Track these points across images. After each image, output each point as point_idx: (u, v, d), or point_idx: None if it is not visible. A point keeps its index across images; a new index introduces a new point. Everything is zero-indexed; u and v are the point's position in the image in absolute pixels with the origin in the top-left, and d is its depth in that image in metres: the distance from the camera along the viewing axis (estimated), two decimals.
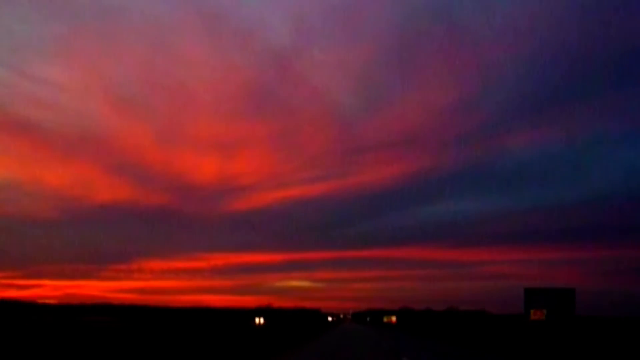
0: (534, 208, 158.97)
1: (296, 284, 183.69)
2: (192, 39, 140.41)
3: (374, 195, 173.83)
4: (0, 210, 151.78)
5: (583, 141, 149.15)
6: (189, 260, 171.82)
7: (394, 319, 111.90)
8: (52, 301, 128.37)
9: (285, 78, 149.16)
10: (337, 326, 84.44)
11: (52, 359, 16.85)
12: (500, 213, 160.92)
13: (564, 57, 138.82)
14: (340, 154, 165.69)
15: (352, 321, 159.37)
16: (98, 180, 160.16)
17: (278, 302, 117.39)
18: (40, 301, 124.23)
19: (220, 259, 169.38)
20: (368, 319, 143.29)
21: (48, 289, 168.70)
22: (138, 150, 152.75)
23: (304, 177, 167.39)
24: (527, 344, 27.27)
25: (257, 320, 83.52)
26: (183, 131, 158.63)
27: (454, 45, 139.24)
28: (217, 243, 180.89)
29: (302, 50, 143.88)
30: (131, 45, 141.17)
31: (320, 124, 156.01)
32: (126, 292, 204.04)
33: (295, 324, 77.26)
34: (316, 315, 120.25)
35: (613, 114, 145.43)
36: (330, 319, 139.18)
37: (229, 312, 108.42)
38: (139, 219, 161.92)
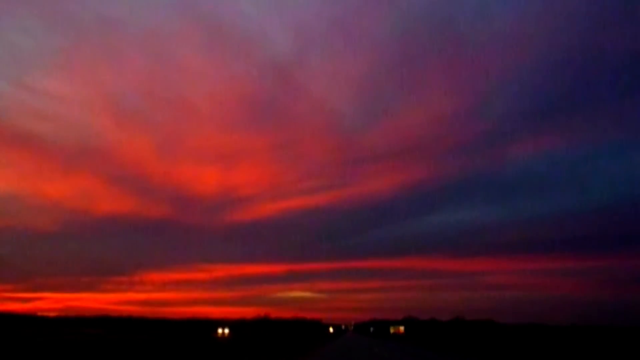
0: (537, 217, 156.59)
1: (297, 294, 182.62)
2: (192, 51, 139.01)
3: (375, 206, 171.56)
4: (1, 222, 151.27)
5: (586, 150, 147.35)
6: (190, 272, 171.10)
7: (401, 329, 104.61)
8: (53, 314, 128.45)
9: (285, 89, 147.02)
10: (336, 338, 75.93)
11: None
12: (503, 223, 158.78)
13: (566, 66, 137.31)
14: (340, 164, 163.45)
15: (354, 332, 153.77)
16: (99, 193, 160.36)
17: (279, 313, 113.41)
18: (41, 314, 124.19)
19: (221, 271, 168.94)
20: (371, 329, 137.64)
21: (49, 302, 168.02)
22: (139, 162, 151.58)
23: (305, 187, 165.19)
24: None
25: (219, 331, 76.95)
26: (183, 143, 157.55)
27: (454, 54, 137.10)
28: (218, 254, 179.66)
29: (303, 61, 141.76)
30: (132, 57, 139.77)
31: (321, 134, 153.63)
32: (127, 304, 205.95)
33: (285, 336, 70.69)
34: (316, 326, 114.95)
35: (616, 123, 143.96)
36: (331, 330, 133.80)
37: (225, 323, 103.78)
38: (140, 231, 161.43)
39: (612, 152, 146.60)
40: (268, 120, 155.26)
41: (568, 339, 55.82)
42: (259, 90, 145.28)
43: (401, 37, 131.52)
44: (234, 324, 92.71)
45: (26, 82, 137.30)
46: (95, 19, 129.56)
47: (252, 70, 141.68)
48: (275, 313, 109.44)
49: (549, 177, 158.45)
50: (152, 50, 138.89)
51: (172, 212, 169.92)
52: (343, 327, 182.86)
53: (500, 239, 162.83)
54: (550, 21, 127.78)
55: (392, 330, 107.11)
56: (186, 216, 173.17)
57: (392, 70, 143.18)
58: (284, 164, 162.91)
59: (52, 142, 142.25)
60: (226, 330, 78.06)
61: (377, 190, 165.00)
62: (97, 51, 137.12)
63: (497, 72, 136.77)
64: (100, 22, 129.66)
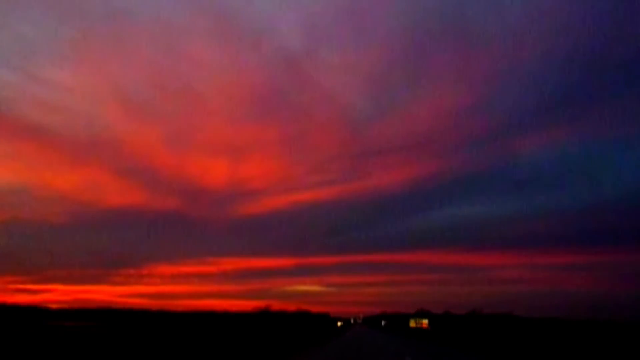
0: (547, 212, 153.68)
1: (306, 288, 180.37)
2: (202, 42, 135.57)
3: (384, 199, 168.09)
4: (10, 214, 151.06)
5: (596, 144, 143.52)
6: (198, 265, 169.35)
7: (425, 322, 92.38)
8: (57, 306, 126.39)
9: (295, 81, 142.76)
10: (337, 337, 53.67)
11: None
12: (512, 217, 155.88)
13: (575, 60, 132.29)
14: (350, 158, 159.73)
15: (364, 325, 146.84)
16: (108, 185, 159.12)
17: (288, 307, 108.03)
18: (50, 306, 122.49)
19: (230, 264, 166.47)
20: (383, 323, 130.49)
21: (58, 294, 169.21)
22: (148, 154, 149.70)
23: (314, 180, 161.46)
24: None
25: None
26: (193, 134, 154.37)
27: (464, 48, 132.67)
28: (226, 247, 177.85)
29: (313, 53, 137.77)
30: (141, 48, 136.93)
31: (331, 127, 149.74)
32: (136, 297, 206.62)
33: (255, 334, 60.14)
34: (322, 320, 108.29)
35: (625, 117, 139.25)
36: (339, 324, 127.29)
37: (229, 316, 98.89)
38: (149, 223, 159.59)
39: (623, 146, 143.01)
40: (277, 113, 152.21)
41: (587, 333, 50.83)
42: (268, 83, 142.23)
43: (411, 30, 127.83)
44: (233, 317, 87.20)
45: (35, 73, 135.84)
46: (104, 10, 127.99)
47: (262, 62, 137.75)
48: (283, 307, 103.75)
49: (560, 171, 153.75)
50: (161, 41, 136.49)
51: (181, 204, 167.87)
52: (352, 320, 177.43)
53: (510, 233, 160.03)
54: (559, 15, 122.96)
55: (412, 324, 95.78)
56: (195, 209, 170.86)
57: (401, 63, 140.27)
58: (293, 156, 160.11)
59: (61, 134, 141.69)
60: None
61: (386, 184, 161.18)
62: (106, 42, 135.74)
63: (507, 65, 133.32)
64: (109, 13, 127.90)
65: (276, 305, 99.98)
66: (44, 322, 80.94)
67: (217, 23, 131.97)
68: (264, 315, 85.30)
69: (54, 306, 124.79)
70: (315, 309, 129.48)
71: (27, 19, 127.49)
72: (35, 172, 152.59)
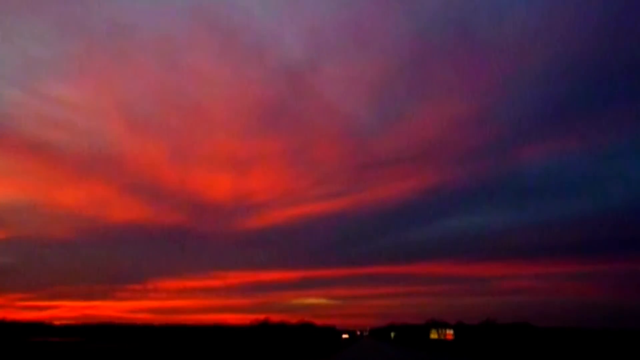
0: (553, 221, 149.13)
1: (312, 301, 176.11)
2: (205, 56, 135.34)
3: (390, 210, 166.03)
4: (15, 231, 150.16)
5: (600, 154, 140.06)
6: (204, 279, 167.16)
7: (449, 333, 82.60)
8: (68, 322, 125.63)
9: (299, 93, 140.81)
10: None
11: None
12: (519, 227, 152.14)
13: (579, 69, 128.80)
14: (355, 169, 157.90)
15: (370, 338, 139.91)
16: (112, 200, 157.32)
17: (293, 320, 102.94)
18: (58, 322, 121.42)
19: (235, 278, 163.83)
20: (393, 334, 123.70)
21: (64, 310, 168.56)
22: (152, 169, 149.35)
23: (319, 193, 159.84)
24: None
25: None
26: (197, 149, 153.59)
27: (467, 58, 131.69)
28: (232, 261, 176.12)
29: (316, 65, 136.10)
30: (144, 63, 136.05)
31: (335, 139, 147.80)
32: (142, 312, 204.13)
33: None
34: (328, 333, 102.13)
35: (631, 125, 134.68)
36: (345, 336, 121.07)
37: (224, 329, 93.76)
38: (154, 238, 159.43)
39: (627, 154, 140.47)
40: (281, 126, 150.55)
41: (605, 343, 50.07)
42: (272, 96, 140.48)
43: (414, 41, 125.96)
44: (228, 330, 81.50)
45: (40, 90, 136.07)
46: (108, 26, 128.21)
47: (265, 75, 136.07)
48: (289, 320, 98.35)
49: (567, 180, 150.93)
50: (165, 57, 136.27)
51: (186, 219, 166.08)
52: (358, 333, 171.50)
53: (517, 243, 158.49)
54: (564, 23, 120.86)
55: (433, 334, 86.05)
56: (200, 223, 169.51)
57: (405, 74, 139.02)
58: (297, 169, 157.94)
59: (65, 150, 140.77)
60: None
61: (391, 195, 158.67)
62: (110, 58, 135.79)
63: (511, 75, 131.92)
64: (113, 29, 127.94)
65: (282, 318, 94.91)
66: (27, 339, 76.17)
67: (220, 37, 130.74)
68: (263, 329, 79.34)
69: (59, 322, 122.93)
70: (321, 321, 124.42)
71: (31, 36, 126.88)
72: (40, 189, 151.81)
